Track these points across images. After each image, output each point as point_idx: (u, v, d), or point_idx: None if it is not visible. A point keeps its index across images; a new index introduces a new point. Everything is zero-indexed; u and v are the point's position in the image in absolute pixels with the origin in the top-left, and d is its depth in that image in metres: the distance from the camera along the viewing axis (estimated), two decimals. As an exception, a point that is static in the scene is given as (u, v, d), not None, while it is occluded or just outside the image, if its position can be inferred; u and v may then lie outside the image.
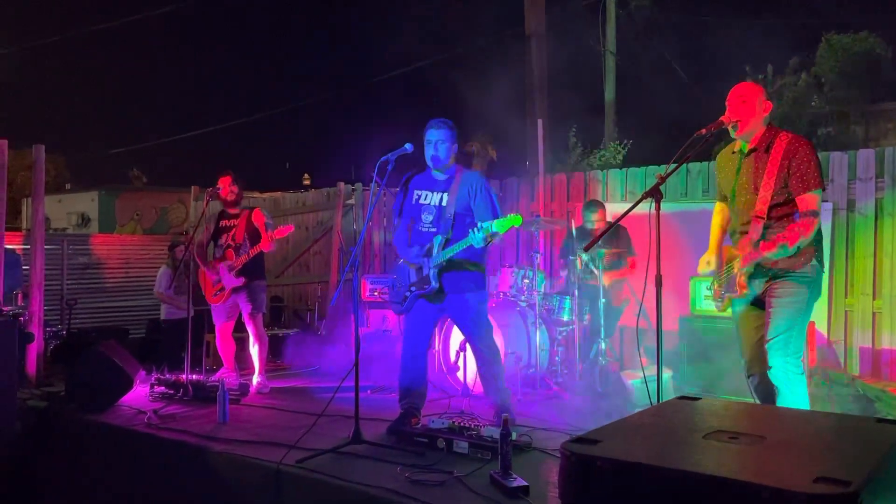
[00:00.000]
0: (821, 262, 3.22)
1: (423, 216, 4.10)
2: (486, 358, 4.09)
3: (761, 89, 3.35)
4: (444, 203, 4.05)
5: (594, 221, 5.71)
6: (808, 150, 3.15)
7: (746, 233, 3.25)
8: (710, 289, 3.55)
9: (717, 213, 3.58)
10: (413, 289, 4.06)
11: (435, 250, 3.97)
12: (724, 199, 3.49)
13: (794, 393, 3.13)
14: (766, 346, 3.17)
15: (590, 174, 6.97)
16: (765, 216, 3.17)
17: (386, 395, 5.15)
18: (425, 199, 4.12)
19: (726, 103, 3.30)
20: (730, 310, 3.42)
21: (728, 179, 3.41)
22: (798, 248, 3.11)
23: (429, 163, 4.08)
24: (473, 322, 4.07)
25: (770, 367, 3.16)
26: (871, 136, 13.55)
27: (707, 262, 3.47)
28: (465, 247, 3.86)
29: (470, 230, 3.83)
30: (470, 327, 4.10)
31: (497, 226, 3.74)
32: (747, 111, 3.23)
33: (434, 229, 4.04)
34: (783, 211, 3.18)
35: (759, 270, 3.24)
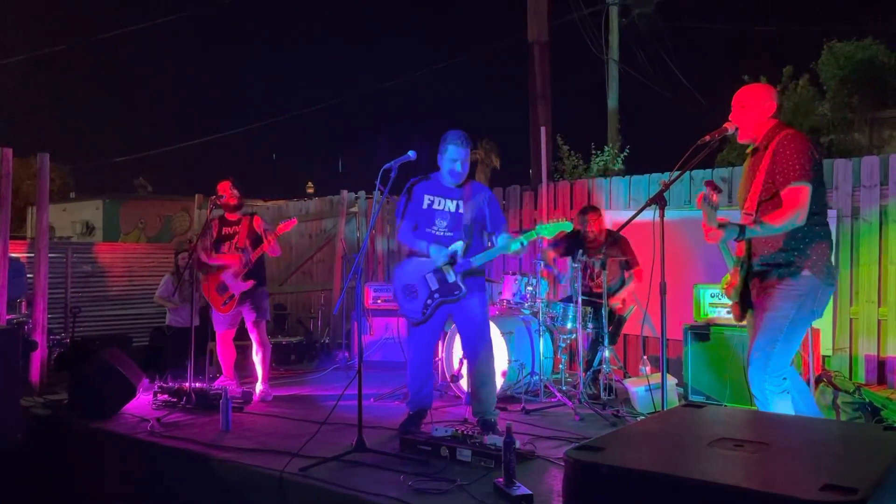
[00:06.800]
0: (819, 275, 3.04)
1: (436, 221, 4.12)
2: (482, 373, 4.09)
3: (765, 91, 3.29)
4: (461, 210, 4.09)
5: (586, 223, 5.57)
6: (794, 144, 3.03)
7: None
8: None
9: None
10: (436, 296, 4.06)
11: (459, 257, 4.01)
12: None
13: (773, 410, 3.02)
14: (748, 359, 3.09)
15: (593, 182, 6.96)
16: (753, 213, 3.12)
17: (389, 402, 5.14)
18: (439, 204, 4.14)
19: (731, 107, 3.30)
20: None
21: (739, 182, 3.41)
22: (776, 228, 3.01)
23: (447, 175, 4.12)
24: (481, 326, 4.10)
25: (750, 383, 3.08)
26: (875, 143, 13.54)
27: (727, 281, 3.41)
28: (500, 254, 4.00)
29: (510, 239, 3.95)
30: (476, 331, 4.09)
31: (544, 231, 3.87)
32: (746, 116, 3.23)
33: (451, 234, 4.08)
34: (770, 206, 3.08)
35: (752, 272, 3.20)
